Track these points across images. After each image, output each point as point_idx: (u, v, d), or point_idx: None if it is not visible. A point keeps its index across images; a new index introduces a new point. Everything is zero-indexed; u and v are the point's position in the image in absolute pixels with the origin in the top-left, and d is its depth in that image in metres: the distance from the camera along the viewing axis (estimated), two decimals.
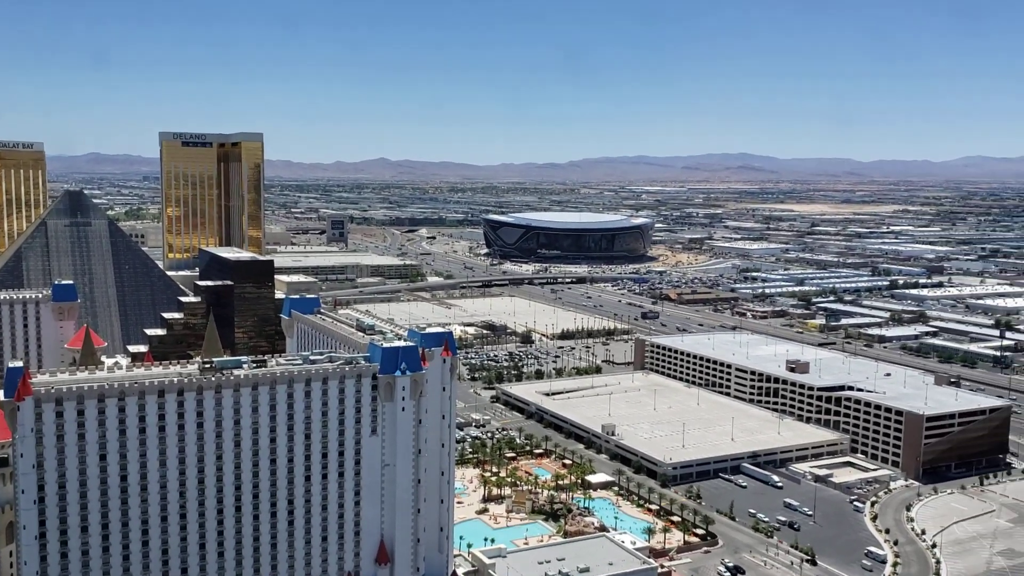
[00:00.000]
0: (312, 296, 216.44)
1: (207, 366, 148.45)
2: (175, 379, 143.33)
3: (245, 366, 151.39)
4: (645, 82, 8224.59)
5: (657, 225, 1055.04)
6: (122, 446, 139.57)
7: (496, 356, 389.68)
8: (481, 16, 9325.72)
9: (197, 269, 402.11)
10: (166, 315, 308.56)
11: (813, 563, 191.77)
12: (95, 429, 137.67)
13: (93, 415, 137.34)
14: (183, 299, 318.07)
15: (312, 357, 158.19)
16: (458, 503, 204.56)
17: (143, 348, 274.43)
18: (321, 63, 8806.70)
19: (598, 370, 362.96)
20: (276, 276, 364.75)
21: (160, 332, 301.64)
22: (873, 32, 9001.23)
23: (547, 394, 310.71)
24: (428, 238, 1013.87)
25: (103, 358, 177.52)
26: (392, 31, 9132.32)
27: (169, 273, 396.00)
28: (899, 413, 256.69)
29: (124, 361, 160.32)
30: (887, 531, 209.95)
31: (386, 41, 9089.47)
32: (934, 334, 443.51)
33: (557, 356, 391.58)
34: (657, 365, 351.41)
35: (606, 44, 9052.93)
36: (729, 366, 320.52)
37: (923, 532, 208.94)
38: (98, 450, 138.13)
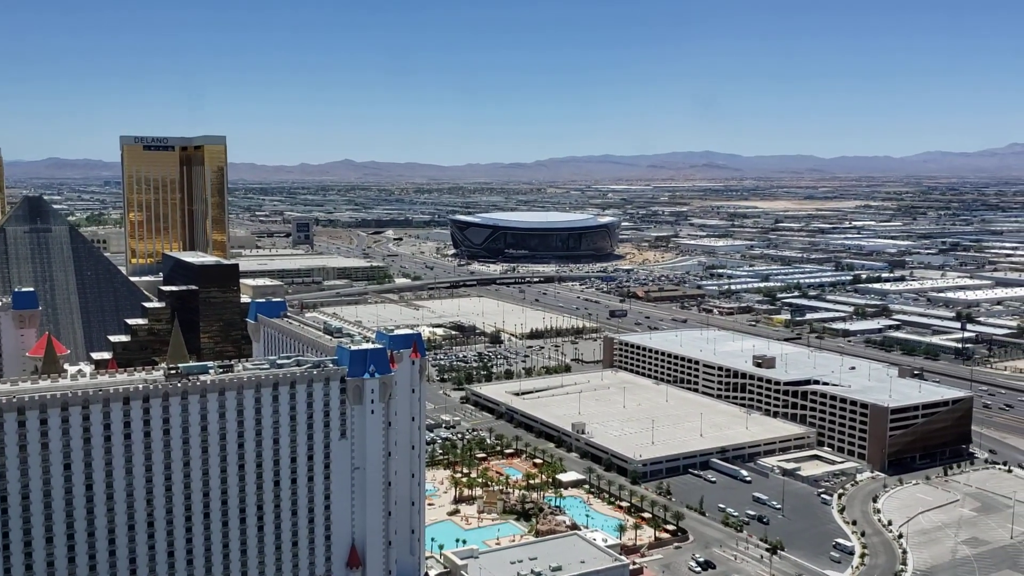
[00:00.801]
0: (278, 300, 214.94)
1: (173, 372, 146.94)
2: (140, 386, 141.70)
3: (211, 371, 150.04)
4: (610, 82, 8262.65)
5: (624, 223, 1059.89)
6: (87, 455, 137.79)
7: (465, 357, 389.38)
8: (445, 17, 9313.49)
9: (161, 274, 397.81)
10: (130, 321, 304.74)
11: (774, 552, 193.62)
12: (59, 438, 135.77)
13: (57, 424, 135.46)
14: (147, 305, 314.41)
15: (279, 361, 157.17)
16: (429, 505, 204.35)
17: (107, 355, 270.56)
18: (285, 65, 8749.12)
19: (567, 369, 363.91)
20: (241, 280, 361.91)
21: (124, 338, 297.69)
22: (833, 31, 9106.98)
23: (517, 394, 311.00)
24: (395, 239, 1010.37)
25: (66, 366, 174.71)
26: (355, 33, 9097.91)
27: (132, 279, 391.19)
28: (864, 406, 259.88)
29: (88, 368, 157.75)
30: (854, 523, 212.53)
31: (350, 42, 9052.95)
32: (897, 327, 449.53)
33: (526, 356, 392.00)
34: (626, 363, 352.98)
35: (571, 44, 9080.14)
36: (697, 362, 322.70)
37: (889, 523, 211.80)
38: (62, 459, 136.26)
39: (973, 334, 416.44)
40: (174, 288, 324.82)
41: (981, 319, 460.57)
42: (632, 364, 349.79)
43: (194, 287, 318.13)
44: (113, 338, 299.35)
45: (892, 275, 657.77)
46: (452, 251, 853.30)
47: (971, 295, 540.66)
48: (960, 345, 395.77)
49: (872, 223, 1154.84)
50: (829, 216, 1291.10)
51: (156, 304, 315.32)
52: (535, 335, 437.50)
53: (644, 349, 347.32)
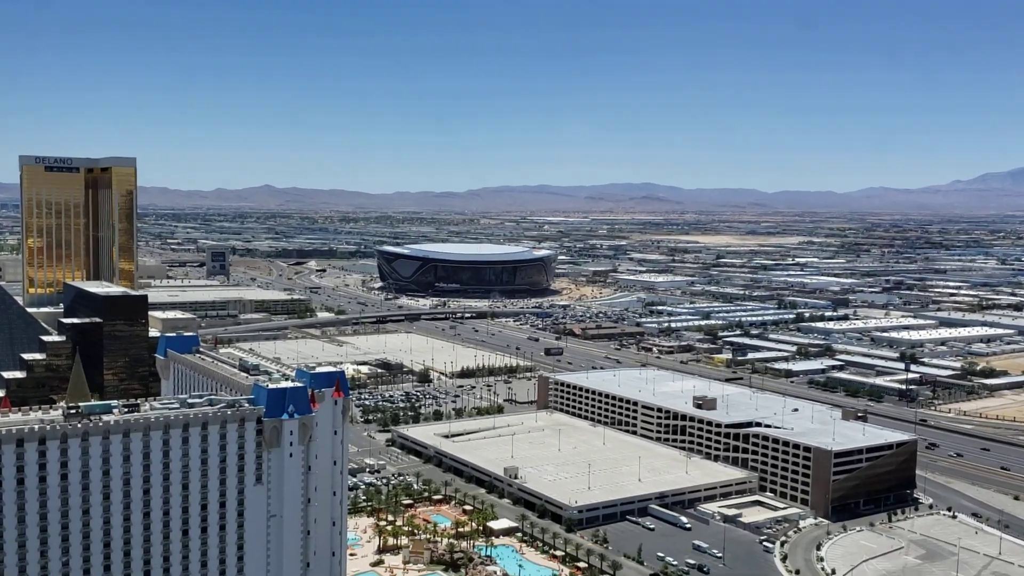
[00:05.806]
0: (190, 334, 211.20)
1: (72, 411, 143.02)
2: (36, 426, 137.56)
3: (115, 411, 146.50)
4: (546, 109, 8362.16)
5: (560, 257, 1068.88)
6: None
7: (392, 396, 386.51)
8: (374, 41, 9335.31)
9: (62, 305, 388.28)
10: (26, 356, 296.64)
11: None
12: None
13: None
14: (45, 338, 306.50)
15: (190, 400, 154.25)
16: (351, 555, 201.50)
17: None
18: (201, 84, 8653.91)
19: (500, 410, 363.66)
20: (150, 312, 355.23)
21: (19, 375, 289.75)
22: (774, 65, 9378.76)
23: (446, 436, 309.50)
24: (318, 271, 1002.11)
25: None
26: (277, 51, 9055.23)
27: (30, 310, 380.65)
28: (807, 449, 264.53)
29: None
30: (797, 572, 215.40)
31: (270, 61, 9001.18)
32: (840, 368, 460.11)
33: (457, 396, 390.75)
34: (561, 403, 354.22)
35: (506, 71, 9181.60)
36: (635, 403, 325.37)
37: (833, 572, 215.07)
38: None
39: (917, 375, 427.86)
40: (76, 320, 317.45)
41: (925, 360, 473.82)
42: (568, 405, 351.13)
43: (98, 319, 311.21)
44: (7, 374, 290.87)
45: (835, 314, 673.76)
46: (379, 284, 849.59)
47: (915, 335, 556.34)
48: (904, 387, 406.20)
49: (815, 260, 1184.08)
50: (771, 252, 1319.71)
51: (55, 337, 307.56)
52: (466, 374, 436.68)
53: (580, 389, 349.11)
